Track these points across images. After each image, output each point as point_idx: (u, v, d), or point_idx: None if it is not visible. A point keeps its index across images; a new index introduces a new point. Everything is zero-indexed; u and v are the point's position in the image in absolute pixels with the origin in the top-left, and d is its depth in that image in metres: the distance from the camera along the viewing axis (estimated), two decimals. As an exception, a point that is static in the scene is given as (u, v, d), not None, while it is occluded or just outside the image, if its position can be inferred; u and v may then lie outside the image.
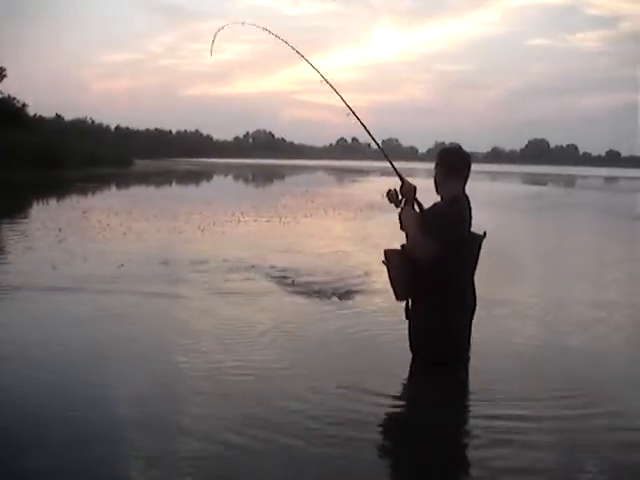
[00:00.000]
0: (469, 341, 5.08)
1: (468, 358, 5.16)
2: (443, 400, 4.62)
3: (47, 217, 15.82)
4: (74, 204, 19.92)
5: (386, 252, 5.04)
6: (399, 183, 4.97)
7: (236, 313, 6.71)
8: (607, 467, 3.59)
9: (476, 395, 4.68)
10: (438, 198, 5.07)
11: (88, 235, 12.26)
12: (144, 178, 40.35)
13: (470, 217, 4.92)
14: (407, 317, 5.12)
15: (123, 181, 35.89)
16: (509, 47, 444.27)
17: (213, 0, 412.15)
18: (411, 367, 5.11)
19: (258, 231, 14.11)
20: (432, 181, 5.04)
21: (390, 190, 4.97)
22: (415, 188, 4.93)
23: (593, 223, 19.34)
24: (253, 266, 9.28)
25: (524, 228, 16.95)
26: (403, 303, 5.08)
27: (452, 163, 5.02)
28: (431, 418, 4.35)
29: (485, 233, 4.95)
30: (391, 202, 5.00)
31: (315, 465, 3.60)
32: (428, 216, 4.91)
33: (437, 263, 4.76)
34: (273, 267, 9.21)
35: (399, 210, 4.95)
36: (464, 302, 4.96)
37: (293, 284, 8.10)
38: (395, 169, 5.18)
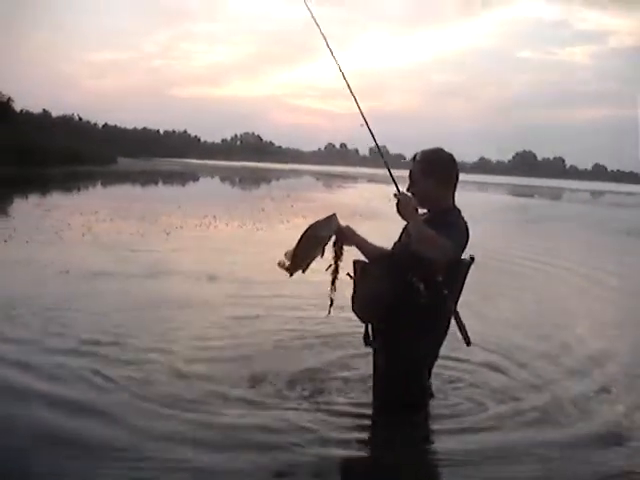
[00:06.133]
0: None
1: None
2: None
3: (4, 215, 14.92)
4: (40, 202, 18.93)
5: (356, 263, 4.08)
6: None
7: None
8: None
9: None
10: None
11: (41, 237, 11.22)
12: (124, 177, 39.30)
13: (468, 236, 3.97)
14: (366, 344, 4.21)
15: (101, 179, 34.81)
16: (498, 58, 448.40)
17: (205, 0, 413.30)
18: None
19: (224, 237, 13.18)
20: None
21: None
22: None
23: (582, 237, 18.54)
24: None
25: (511, 241, 16.09)
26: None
27: (446, 170, 4.05)
28: None
29: (473, 257, 4.03)
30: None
31: None
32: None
33: (430, 285, 3.82)
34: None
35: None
36: (440, 340, 4.09)
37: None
38: (393, 179, 4.10)
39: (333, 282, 4.11)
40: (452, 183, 4.04)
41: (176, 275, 8.63)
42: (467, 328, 3.90)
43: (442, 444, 4.00)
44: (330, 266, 4.10)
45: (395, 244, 4.17)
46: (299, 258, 4.04)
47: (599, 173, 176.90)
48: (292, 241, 4.06)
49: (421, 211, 4.09)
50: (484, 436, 4.04)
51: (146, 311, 6.61)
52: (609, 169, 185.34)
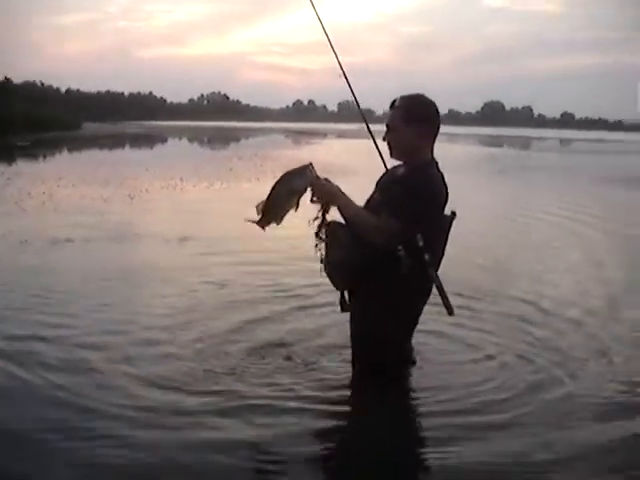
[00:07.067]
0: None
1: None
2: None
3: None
4: (1, 171, 18.39)
5: (329, 224, 3.71)
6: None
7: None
8: None
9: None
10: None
11: (0, 207, 10.87)
12: (90, 142, 38.37)
13: (446, 192, 3.68)
14: (343, 310, 3.94)
15: (67, 145, 33.93)
16: (468, 9, 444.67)
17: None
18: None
19: (190, 199, 12.85)
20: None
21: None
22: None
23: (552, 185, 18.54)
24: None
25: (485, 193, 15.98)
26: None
27: (429, 119, 3.73)
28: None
29: (454, 213, 3.77)
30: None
31: None
32: (388, 188, 3.73)
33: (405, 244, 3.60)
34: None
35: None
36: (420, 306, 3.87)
37: None
38: (369, 130, 4.00)
39: (317, 235, 3.70)
40: (433, 133, 3.74)
41: (136, 239, 8.49)
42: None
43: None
44: (316, 218, 3.67)
45: (369, 201, 3.85)
46: (271, 212, 3.61)
47: (567, 121, 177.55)
48: (262, 197, 3.60)
49: (396, 162, 3.88)
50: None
51: (99, 284, 6.11)
52: (577, 117, 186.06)
